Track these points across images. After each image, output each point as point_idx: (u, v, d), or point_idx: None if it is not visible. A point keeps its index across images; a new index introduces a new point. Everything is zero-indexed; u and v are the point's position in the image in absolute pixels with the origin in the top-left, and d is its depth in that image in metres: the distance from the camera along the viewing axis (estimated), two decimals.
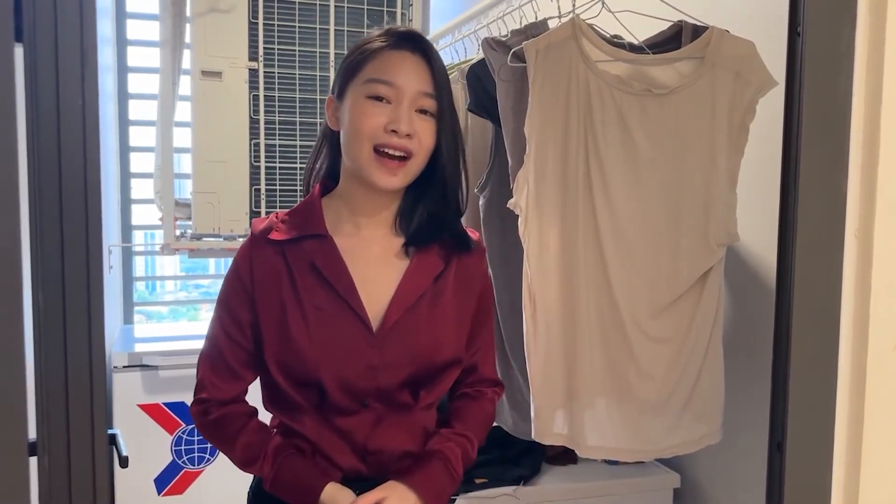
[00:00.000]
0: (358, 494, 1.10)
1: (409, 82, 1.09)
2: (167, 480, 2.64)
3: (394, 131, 1.07)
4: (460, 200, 1.18)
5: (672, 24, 1.43)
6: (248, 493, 1.24)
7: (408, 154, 1.09)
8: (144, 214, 3.28)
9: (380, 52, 1.10)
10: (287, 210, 1.18)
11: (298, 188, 2.77)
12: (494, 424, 1.60)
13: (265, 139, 2.76)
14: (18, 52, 0.74)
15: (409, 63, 1.10)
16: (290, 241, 1.13)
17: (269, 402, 1.19)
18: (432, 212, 1.15)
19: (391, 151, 1.08)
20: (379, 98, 1.09)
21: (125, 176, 3.24)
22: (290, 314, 1.11)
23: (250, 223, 2.81)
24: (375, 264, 1.14)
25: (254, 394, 1.21)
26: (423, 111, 1.10)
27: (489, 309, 1.25)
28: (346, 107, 1.12)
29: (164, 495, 2.63)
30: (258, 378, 1.20)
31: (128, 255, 3.31)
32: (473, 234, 1.22)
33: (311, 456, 1.15)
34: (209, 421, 1.16)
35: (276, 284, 1.12)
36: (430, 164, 1.13)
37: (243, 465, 1.16)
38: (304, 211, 1.16)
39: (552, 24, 1.40)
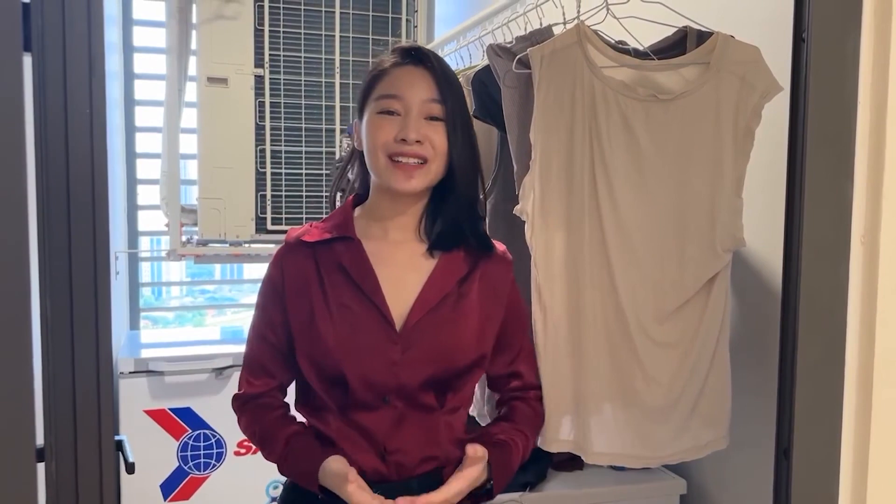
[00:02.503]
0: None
1: (414, 92, 1.16)
2: (173, 486, 2.64)
3: (403, 140, 1.14)
4: (478, 204, 1.24)
5: (677, 29, 1.43)
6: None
7: (421, 159, 1.15)
8: (151, 220, 3.29)
9: (387, 71, 1.19)
10: (321, 220, 1.26)
11: (304, 194, 2.77)
12: None
13: (271, 145, 2.76)
14: (27, 61, 0.74)
15: (413, 74, 1.18)
16: (320, 243, 1.20)
17: (298, 403, 1.26)
18: (453, 217, 1.20)
19: (404, 160, 1.15)
20: (390, 112, 1.16)
21: (131, 182, 3.26)
22: (318, 311, 1.17)
23: (256, 229, 2.82)
24: (401, 267, 1.20)
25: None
26: (432, 117, 1.17)
27: (523, 317, 1.30)
28: (363, 125, 1.20)
29: (170, 501, 2.64)
30: (294, 380, 1.27)
31: (134, 261, 3.32)
32: (500, 246, 1.28)
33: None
34: (243, 413, 1.24)
35: (306, 284, 1.19)
36: (448, 169, 1.19)
37: (262, 449, 1.22)
38: (336, 217, 1.24)
39: (557, 30, 1.40)
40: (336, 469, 1.12)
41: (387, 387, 1.15)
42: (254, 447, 2.24)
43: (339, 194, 1.34)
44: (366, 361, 1.15)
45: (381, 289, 1.17)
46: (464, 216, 1.21)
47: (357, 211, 1.25)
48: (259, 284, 1.27)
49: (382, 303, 1.16)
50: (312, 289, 1.18)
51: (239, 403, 1.25)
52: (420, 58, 1.18)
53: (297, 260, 1.20)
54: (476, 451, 1.15)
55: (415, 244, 1.22)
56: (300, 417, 1.25)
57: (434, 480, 1.17)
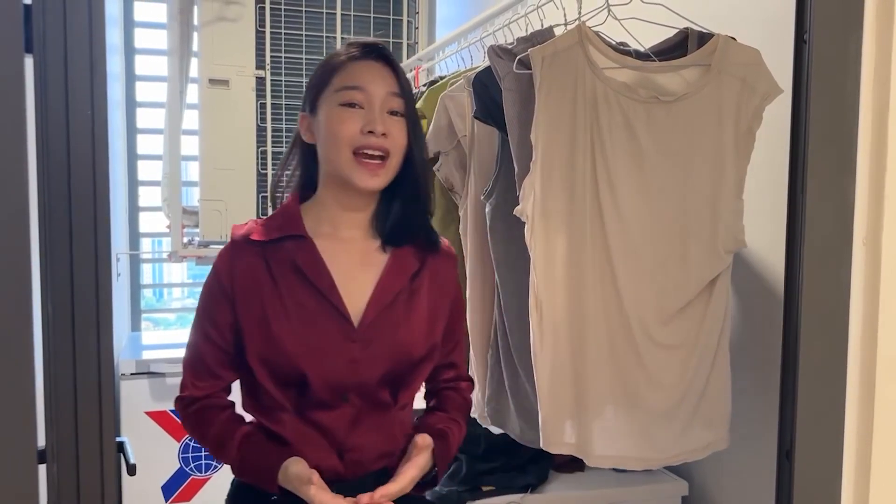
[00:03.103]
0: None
1: (378, 86, 1.16)
2: (174, 488, 2.65)
3: (370, 132, 1.14)
4: (429, 200, 1.25)
5: (678, 31, 1.43)
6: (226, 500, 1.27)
7: (385, 153, 1.15)
8: (152, 222, 3.29)
9: (346, 64, 1.18)
10: (265, 217, 1.23)
11: None
12: (502, 432, 1.61)
13: (272, 147, 2.77)
14: (29, 62, 0.74)
15: (374, 69, 1.17)
16: (270, 242, 1.18)
17: (248, 405, 1.23)
18: (407, 213, 1.21)
19: (370, 152, 1.14)
20: (352, 104, 1.15)
21: (133, 183, 3.26)
22: (273, 312, 1.15)
23: None
24: (354, 264, 1.20)
25: (234, 396, 1.26)
26: (393, 112, 1.17)
27: (463, 312, 1.36)
28: (320, 118, 1.18)
29: (171, 502, 2.64)
30: (238, 380, 1.25)
31: (135, 263, 3.32)
32: (444, 241, 1.30)
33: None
34: (188, 414, 1.22)
35: (257, 284, 1.17)
36: (406, 164, 1.20)
37: (215, 451, 1.21)
38: (282, 216, 1.21)
39: (558, 31, 1.40)
40: (297, 471, 1.12)
41: (346, 385, 1.15)
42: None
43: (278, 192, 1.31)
44: (326, 360, 1.15)
45: (337, 287, 1.17)
46: (417, 212, 1.22)
47: (302, 207, 1.23)
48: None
49: (339, 301, 1.16)
50: (265, 288, 1.16)
51: (182, 405, 1.22)
52: (380, 53, 1.19)
53: (245, 259, 1.17)
54: (425, 440, 1.19)
55: (367, 241, 1.22)
56: (248, 418, 1.24)
57: (387, 476, 1.19)
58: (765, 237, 1.50)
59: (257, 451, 1.16)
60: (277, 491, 1.14)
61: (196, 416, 1.21)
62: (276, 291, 1.16)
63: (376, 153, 1.14)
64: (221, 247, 1.23)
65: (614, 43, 1.40)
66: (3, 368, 0.70)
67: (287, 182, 1.27)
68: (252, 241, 1.18)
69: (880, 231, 0.78)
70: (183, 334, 3.28)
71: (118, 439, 0.93)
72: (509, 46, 1.37)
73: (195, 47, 2.77)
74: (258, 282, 1.16)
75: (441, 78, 2.00)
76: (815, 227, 0.89)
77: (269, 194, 1.30)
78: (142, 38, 3.22)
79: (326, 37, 3.02)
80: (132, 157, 3.25)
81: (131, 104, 3.22)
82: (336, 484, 1.15)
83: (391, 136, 1.15)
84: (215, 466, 2.68)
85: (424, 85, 2.08)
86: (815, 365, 0.90)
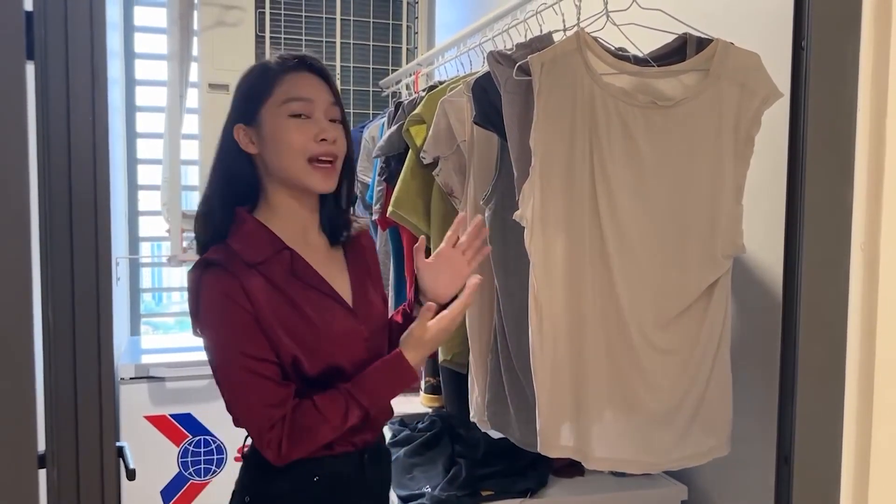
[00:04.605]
0: (369, 463, 1.30)
1: (320, 96, 1.24)
2: (174, 492, 2.64)
3: (323, 140, 1.22)
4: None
5: (676, 36, 1.43)
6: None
7: (334, 158, 1.24)
8: (152, 226, 3.29)
9: (284, 76, 1.23)
10: (230, 240, 1.23)
11: None
12: (501, 436, 1.61)
13: None
14: (30, 69, 0.75)
15: (313, 80, 1.24)
16: (262, 261, 1.22)
17: None
18: (343, 209, 1.34)
19: (323, 158, 1.22)
20: (299, 115, 1.21)
21: (132, 187, 3.26)
22: (295, 316, 1.21)
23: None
24: (325, 261, 1.30)
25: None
26: (333, 119, 1.25)
27: (379, 271, 1.48)
28: (265, 129, 1.22)
29: None
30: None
31: (135, 267, 3.32)
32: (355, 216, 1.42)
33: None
34: (286, 435, 1.18)
35: (270, 298, 1.20)
36: (343, 166, 1.29)
37: (343, 422, 1.21)
38: (256, 234, 1.24)
39: (557, 37, 1.41)
40: (413, 333, 1.25)
41: (365, 363, 1.27)
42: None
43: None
44: (351, 345, 1.25)
45: (329, 283, 1.26)
46: (346, 207, 1.35)
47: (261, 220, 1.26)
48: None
49: (340, 298, 1.27)
50: (278, 301, 1.20)
51: (277, 441, 1.17)
52: (314, 64, 1.26)
53: (251, 279, 1.19)
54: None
55: (321, 239, 1.32)
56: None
57: (383, 439, 1.38)
58: (763, 242, 1.50)
59: (371, 374, 1.24)
60: (416, 377, 1.26)
61: (295, 425, 1.18)
62: (287, 300, 1.21)
63: (327, 158, 1.22)
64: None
65: (613, 48, 1.40)
66: (4, 373, 0.70)
67: (223, 196, 1.26)
68: (248, 264, 1.19)
69: (878, 236, 0.78)
70: (183, 338, 3.28)
71: (118, 444, 0.93)
72: (509, 52, 1.37)
73: (195, 52, 2.78)
74: (270, 295, 1.20)
75: (440, 83, 2.01)
76: (814, 233, 0.89)
77: (203, 211, 1.27)
78: (142, 42, 3.23)
79: (326, 42, 3.03)
80: (132, 162, 3.25)
81: (131, 109, 3.22)
82: (368, 451, 1.30)
83: (337, 142, 1.24)
84: (214, 471, 2.68)
85: (424, 89, 2.08)
86: (813, 369, 0.90)
